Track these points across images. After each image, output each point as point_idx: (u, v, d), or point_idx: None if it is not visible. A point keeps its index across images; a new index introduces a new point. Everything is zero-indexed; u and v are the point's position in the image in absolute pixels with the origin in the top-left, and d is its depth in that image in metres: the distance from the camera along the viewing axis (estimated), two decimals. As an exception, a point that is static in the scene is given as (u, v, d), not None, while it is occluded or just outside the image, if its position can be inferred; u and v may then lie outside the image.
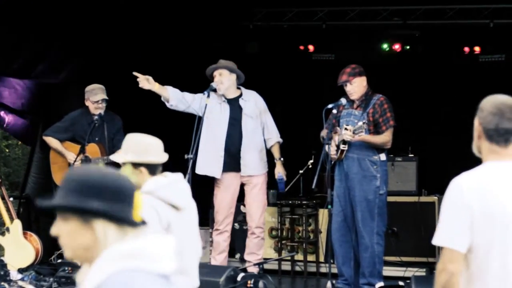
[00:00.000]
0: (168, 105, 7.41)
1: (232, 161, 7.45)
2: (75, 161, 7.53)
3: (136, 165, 4.37)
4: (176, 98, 7.36)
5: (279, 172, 7.52)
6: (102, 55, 8.65)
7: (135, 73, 7.18)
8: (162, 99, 7.39)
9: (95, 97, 7.70)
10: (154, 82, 7.25)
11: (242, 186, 7.57)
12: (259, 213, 7.53)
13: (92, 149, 7.67)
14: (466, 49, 9.61)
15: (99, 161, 7.59)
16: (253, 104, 7.52)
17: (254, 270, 7.20)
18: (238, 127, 7.45)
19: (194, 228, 4.59)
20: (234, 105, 7.50)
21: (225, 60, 7.51)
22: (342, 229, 7.02)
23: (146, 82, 7.22)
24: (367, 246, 6.87)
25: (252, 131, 7.46)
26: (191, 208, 4.54)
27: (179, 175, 4.58)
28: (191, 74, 8.46)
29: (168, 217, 4.34)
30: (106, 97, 7.71)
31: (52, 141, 7.84)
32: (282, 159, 7.55)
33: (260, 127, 7.53)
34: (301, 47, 9.96)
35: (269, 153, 7.59)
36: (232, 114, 7.46)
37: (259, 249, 7.57)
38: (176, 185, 4.50)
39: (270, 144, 7.57)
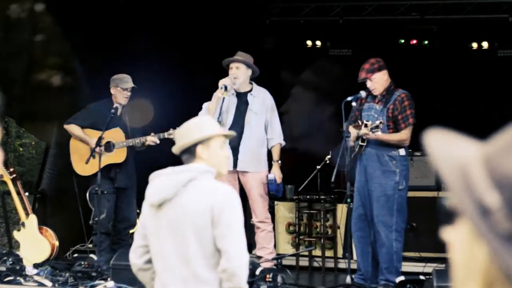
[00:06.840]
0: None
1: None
2: (95, 147, 7.41)
3: None
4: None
5: (274, 174, 7.45)
6: (123, 48, 8.64)
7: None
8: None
9: (126, 85, 7.62)
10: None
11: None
12: (260, 208, 7.45)
13: (115, 134, 7.59)
14: (485, 44, 9.54)
15: (122, 145, 7.56)
16: (261, 101, 7.45)
17: (269, 265, 7.16)
18: (241, 121, 7.40)
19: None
20: (242, 99, 7.45)
21: (243, 53, 7.45)
22: (360, 223, 6.95)
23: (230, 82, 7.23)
24: (383, 243, 6.79)
25: (254, 127, 7.38)
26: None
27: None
28: (206, 69, 8.42)
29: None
30: (134, 86, 7.66)
31: (73, 128, 7.68)
32: (279, 161, 7.46)
33: (264, 126, 7.47)
34: (318, 42, 9.90)
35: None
36: (238, 108, 7.42)
37: (269, 243, 7.51)
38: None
39: (271, 144, 7.48)
